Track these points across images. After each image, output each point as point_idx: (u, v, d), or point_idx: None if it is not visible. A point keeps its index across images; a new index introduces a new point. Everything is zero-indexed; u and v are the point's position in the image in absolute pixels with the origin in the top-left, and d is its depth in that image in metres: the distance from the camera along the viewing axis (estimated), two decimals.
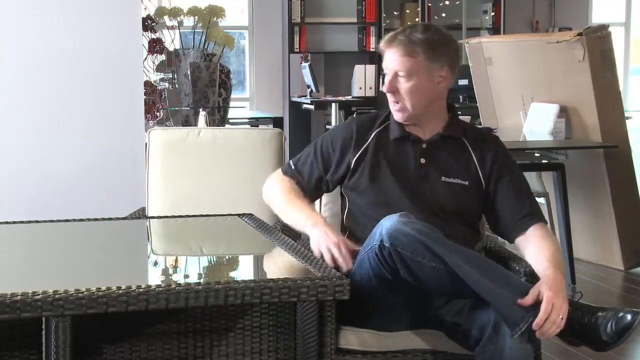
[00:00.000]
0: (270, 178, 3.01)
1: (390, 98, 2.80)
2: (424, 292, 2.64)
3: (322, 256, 2.62)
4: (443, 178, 2.79)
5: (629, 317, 2.44)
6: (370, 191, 2.81)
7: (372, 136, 2.87)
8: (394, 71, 2.77)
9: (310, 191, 2.94)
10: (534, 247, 2.68)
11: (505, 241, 2.90)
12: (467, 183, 2.79)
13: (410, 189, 2.78)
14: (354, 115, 3.10)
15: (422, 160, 2.81)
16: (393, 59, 2.76)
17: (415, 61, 2.75)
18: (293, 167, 2.98)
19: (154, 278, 2.62)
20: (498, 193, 2.79)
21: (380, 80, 9.57)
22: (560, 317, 2.42)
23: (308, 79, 9.43)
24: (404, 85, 2.77)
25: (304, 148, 3.04)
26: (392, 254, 2.52)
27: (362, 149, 2.86)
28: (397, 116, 2.82)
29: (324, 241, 2.65)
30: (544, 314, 2.40)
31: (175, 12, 5.63)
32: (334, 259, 2.62)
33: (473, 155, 2.82)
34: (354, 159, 2.85)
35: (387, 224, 2.54)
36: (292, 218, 2.85)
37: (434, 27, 2.81)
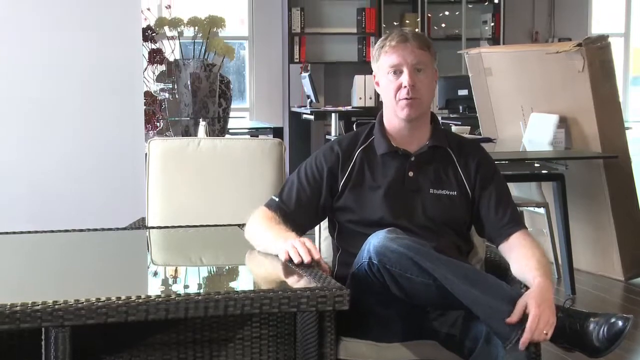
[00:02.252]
0: (252, 215, 2.87)
1: (406, 94, 2.77)
2: (417, 305, 2.64)
3: (291, 261, 2.55)
4: (431, 190, 2.79)
5: (620, 323, 2.44)
6: (360, 209, 2.80)
7: (356, 154, 2.85)
8: (412, 65, 2.77)
9: (300, 220, 2.83)
10: (518, 255, 2.69)
11: None
12: (455, 193, 2.80)
13: (400, 204, 2.78)
14: (330, 142, 3.00)
15: (411, 174, 2.81)
16: (411, 53, 2.77)
17: (429, 54, 2.81)
18: (277, 199, 2.88)
19: (154, 288, 2.61)
20: (481, 202, 2.81)
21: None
22: (545, 332, 2.43)
23: (308, 89, 9.44)
24: (422, 78, 2.79)
25: (300, 164, 2.97)
26: (380, 271, 2.52)
27: (349, 169, 2.83)
28: (408, 112, 2.79)
29: (288, 244, 2.59)
30: (529, 332, 2.41)
31: (175, 23, 5.64)
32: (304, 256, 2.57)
33: (458, 165, 2.83)
34: (342, 181, 2.83)
35: (374, 241, 2.54)
36: (267, 243, 2.72)
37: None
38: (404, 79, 2.75)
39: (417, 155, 2.83)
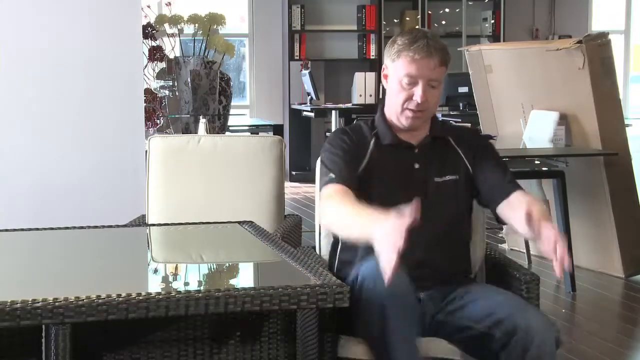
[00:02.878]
0: (323, 199, 2.76)
1: (414, 107, 2.76)
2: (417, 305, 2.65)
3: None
4: (436, 179, 2.82)
5: None
6: (371, 199, 2.75)
7: (370, 147, 2.85)
8: (427, 80, 2.74)
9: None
10: (518, 202, 2.71)
11: (505, 248, 2.91)
12: (457, 177, 2.84)
13: (409, 195, 2.75)
14: (340, 129, 2.95)
15: (417, 166, 2.83)
16: (432, 70, 2.74)
17: (445, 69, 2.79)
18: (333, 175, 2.77)
19: (154, 286, 2.62)
20: (480, 168, 2.85)
21: (380, 86, 9.58)
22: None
23: (308, 86, 9.44)
24: (434, 92, 2.78)
25: (323, 152, 2.89)
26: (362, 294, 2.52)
27: (367, 155, 2.84)
28: (412, 123, 2.79)
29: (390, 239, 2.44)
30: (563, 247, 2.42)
31: (175, 20, 5.64)
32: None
33: (458, 149, 2.87)
34: (362, 166, 2.83)
35: (365, 270, 2.52)
36: (360, 229, 2.55)
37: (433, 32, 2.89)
38: (417, 93, 2.74)
39: (420, 146, 2.85)
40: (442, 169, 2.83)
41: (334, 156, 2.82)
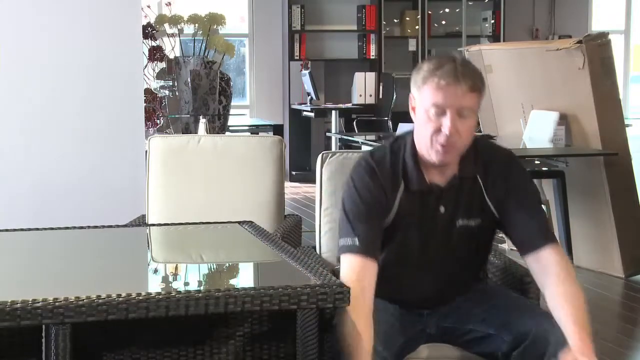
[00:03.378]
0: (341, 268, 2.55)
1: (444, 140, 2.51)
2: (415, 313, 2.67)
3: None
4: (459, 222, 2.65)
5: None
6: (392, 248, 2.66)
7: (399, 194, 2.62)
8: (456, 109, 2.49)
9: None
10: (553, 289, 2.53)
11: (505, 248, 2.89)
12: (481, 221, 2.66)
13: (428, 239, 2.66)
14: (367, 165, 2.68)
15: (442, 209, 2.63)
16: (460, 97, 2.48)
17: (478, 95, 2.53)
18: (357, 241, 2.55)
19: (154, 286, 2.61)
20: (508, 215, 2.65)
21: (380, 86, 9.58)
22: None
23: (308, 86, 9.45)
24: (465, 122, 2.51)
25: (345, 197, 2.65)
26: None
27: (394, 211, 2.62)
28: (442, 159, 2.55)
29: None
30: None
31: (175, 20, 5.65)
32: None
33: (484, 191, 2.64)
34: (388, 222, 2.63)
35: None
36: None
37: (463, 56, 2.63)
38: (445, 124, 2.49)
39: (447, 189, 2.63)
40: (467, 212, 2.64)
41: (360, 213, 2.58)
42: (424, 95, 2.53)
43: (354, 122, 9.47)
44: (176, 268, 2.83)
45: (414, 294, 2.71)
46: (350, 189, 2.64)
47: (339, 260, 2.72)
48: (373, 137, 6.98)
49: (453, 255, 2.68)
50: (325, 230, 3.14)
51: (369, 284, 2.50)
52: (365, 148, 5.99)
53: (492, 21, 10.42)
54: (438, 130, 2.50)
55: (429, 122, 2.52)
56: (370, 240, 2.56)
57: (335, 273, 2.59)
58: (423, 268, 2.67)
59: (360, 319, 2.42)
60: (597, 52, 5.46)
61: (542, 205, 2.75)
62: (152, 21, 5.72)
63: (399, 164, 2.63)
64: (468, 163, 2.64)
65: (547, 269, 2.55)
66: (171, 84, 5.72)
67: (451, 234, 2.64)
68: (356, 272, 2.51)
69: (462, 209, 2.63)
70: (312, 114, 9.54)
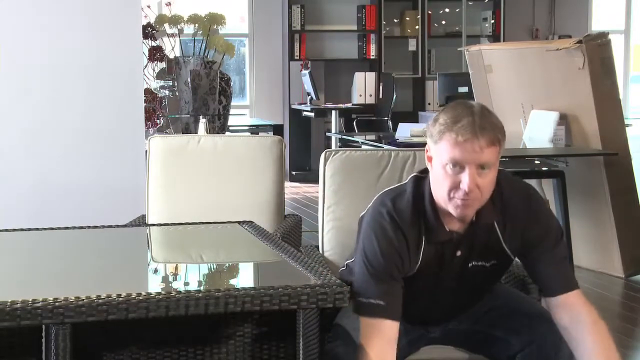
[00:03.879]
0: (363, 329, 2.46)
1: (464, 196, 2.40)
2: (416, 318, 2.66)
3: None
4: (473, 262, 2.59)
5: None
6: (406, 288, 2.58)
7: (422, 249, 2.54)
8: (476, 164, 2.37)
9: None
10: (585, 346, 2.48)
11: None
12: (495, 262, 2.61)
13: (442, 279, 2.62)
14: (390, 219, 2.49)
15: (458, 253, 2.56)
16: (479, 152, 2.36)
17: (498, 148, 2.41)
18: (381, 302, 2.46)
19: (154, 286, 2.61)
20: (530, 262, 2.60)
21: (380, 87, 9.58)
22: None
23: (308, 86, 9.44)
24: (485, 175, 2.40)
25: (367, 252, 2.53)
26: None
27: (418, 265, 2.55)
28: (462, 213, 2.45)
29: None
30: None
31: (175, 20, 5.64)
32: None
33: (500, 235, 2.56)
34: (412, 273, 2.57)
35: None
36: None
37: (483, 106, 2.49)
38: (464, 180, 2.37)
39: (465, 234, 2.55)
40: (482, 255, 2.57)
41: (385, 273, 2.49)
42: (440, 150, 2.41)
43: (354, 122, 9.47)
44: (176, 268, 2.83)
45: (421, 316, 2.71)
46: (371, 243, 2.51)
47: (345, 267, 2.73)
48: (373, 137, 6.98)
49: (464, 288, 2.64)
50: (328, 229, 3.14)
51: (391, 348, 2.45)
52: (365, 148, 5.99)
53: (492, 21, 10.42)
54: (457, 186, 2.40)
55: (446, 177, 2.40)
56: (394, 300, 2.48)
57: (342, 278, 2.56)
58: (433, 300, 2.66)
59: None
60: (597, 52, 5.46)
61: (565, 247, 2.67)
62: (152, 21, 5.72)
63: (420, 216, 2.53)
64: (487, 210, 2.52)
65: (578, 317, 2.50)
66: (171, 84, 5.72)
67: (464, 272, 2.59)
68: (380, 336, 2.44)
69: (477, 252, 2.57)
70: (312, 114, 9.54)
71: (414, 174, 2.61)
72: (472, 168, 2.37)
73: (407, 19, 10.34)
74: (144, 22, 5.37)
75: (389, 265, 2.48)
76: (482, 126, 2.36)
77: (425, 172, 2.56)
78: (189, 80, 5.46)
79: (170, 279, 2.67)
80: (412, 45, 10.37)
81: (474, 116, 2.37)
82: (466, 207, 2.42)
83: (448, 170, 2.40)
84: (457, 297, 2.66)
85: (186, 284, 2.63)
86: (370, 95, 9.69)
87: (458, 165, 2.38)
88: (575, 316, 2.49)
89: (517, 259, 2.63)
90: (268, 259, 2.77)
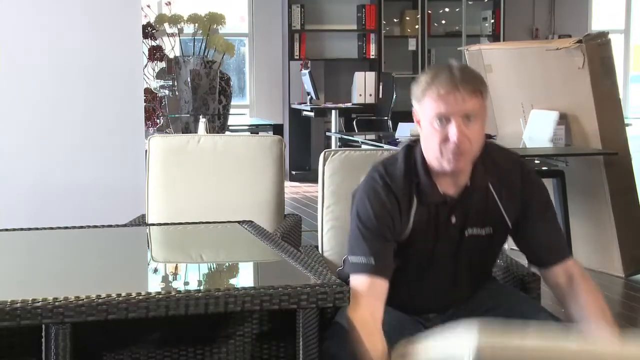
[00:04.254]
0: (352, 288, 2.46)
1: (453, 148, 2.46)
2: (417, 318, 2.66)
3: None
4: (469, 230, 2.61)
5: None
6: (400, 258, 2.62)
7: (413, 210, 2.58)
8: (461, 115, 2.44)
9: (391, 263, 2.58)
10: (575, 298, 2.58)
11: (505, 247, 2.87)
12: (492, 230, 2.63)
13: (437, 249, 2.64)
14: (381, 180, 2.57)
15: (453, 220, 2.60)
16: (462, 102, 2.43)
17: (480, 100, 2.48)
18: (372, 260, 2.52)
19: (154, 285, 2.61)
20: (523, 228, 2.64)
21: (380, 86, 9.58)
22: None
23: (308, 86, 9.45)
24: (473, 126, 2.46)
25: (357, 211, 2.59)
26: None
27: (409, 228, 2.59)
28: (455, 166, 2.49)
29: None
30: None
31: (175, 20, 5.64)
32: None
33: (498, 200, 2.60)
34: (404, 238, 2.61)
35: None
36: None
37: (461, 63, 2.58)
38: (452, 132, 2.44)
39: (459, 200, 2.59)
40: (478, 221, 2.60)
41: (376, 232, 2.54)
42: (425, 108, 2.49)
43: (354, 122, 9.48)
44: (176, 268, 2.83)
45: (418, 299, 2.70)
46: (364, 205, 2.57)
47: (343, 267, 2.73)
48: (373, 137, 6.98)
49: (460, 263, 2.66)
50: (328, 229, 3.14)
51: (380, 305, 2.49)
52: (365, 147, 5.99)
53: (492, 21, 10.42)
54: (446, 140, 2.45)
55: (435, 133, 2.47)
56: (384, 260, 2.53)
57: (341, 276, 2.59)
58: (429, 274, 2.66)
59: (373, 336, 2.41)
60: (597, 52, 5.46)
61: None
62: (152, 21, 5.71)
63: (411, 178, 2.58)
64: (480, 172, 2.58)
65: (575, 279, 2.60)
66: (171, 83, 5.71)
67: (460, 242, 2.61)
68: (369, 292, 2.49)
69: (472, 218, 2.60)
70: (312, 114, 9.54)
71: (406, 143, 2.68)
72: (458, 119, 2.44)
73: (407, 18, 10.34)
74: (144, 22, 5.37)
75: (381, 226, 2.54)
76: (461, 78, 2.45)
77: (416, 141, 2.62)
78: (188, 80, 5.46)
79: (170, 278, 2.67)
80: (412, 44, 10.37)
81: (452, 70, 2.46)
82: (458, 160, 2.47)
83: (435, 125, 2.46)
84: (453, 277, 2.65)
85: (186, 283, 2.63)
86: (370, 95, 9.69)
87: (444, 119, 2.45)
88: (574, 279, 2.60)
89: (511, 235, 2.68)
90: (268, 258, 2.77)
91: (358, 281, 2.51)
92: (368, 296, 2.48)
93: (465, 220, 2.59)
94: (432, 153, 2.52)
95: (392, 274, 2.57)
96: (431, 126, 2.48)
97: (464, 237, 2.61)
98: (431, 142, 2.49)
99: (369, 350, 2.38)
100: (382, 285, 2.51)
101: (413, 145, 2.63)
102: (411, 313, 2.70)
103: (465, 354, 2.01)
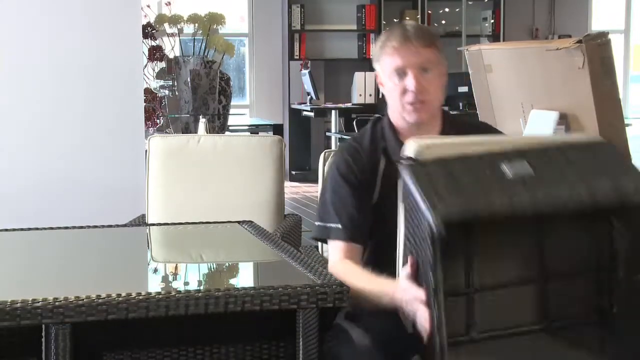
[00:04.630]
0: (330, 266, 2.56)
1: (412, 99, 2.56)
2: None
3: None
4: None
5: None
6: (380, 230, 2.63)
7: (381, 170, 2.64)
8: (417, 66, 2.55)
9: (366, 229, 2.61)
10: None
11: None
12: None
13: None
14: (348, 145, 2.70)
15: None
16: (415, 54, 2.55)
17: (435, 50, 2.60)
18: (339, 225, 2.58)
19: (154, 285, 2.61)
20: None
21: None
22: None
23: (308, 86, 9.45)
24: (430, 78, 2.57)
25: (326, 182, 2.68)
26: None
27: (377, 189, 2.62)
28: (418, 117, 2.58)
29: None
30: None
31: (175, 20, 5.64)
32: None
33: None
34: (375, 194, 2.63)
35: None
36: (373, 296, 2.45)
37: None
38: (409, 83, 2.55)
39: None
40: None
41: (345, 196, 2.60)
42: (383, 65, 2.61)
43: (354, 122, 9.47)
44: (176, 268, 2.83)
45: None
46: (332, 172, 2.66)
47: (316, 239, 2.76)
48: None
49: None
50: None
51: (356, 263, 2.55)
52: None
53: (492, 21, 10.43)
54: (405, 91, 2.57)
55: (395, 87, 2.58)
56: (355, 224, 2.58)
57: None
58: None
59: (354, 274, 2.47)
60: (597, 52, 5.46)
61: None
62: (152, 21, 5.72)
63: (378, 139, 2.67)
64: (449, 128, 2.67)
65: None
66: (171, 83, 5.72)
67: None
68: (341, 256, 2.56)
69: None
70: (312, 114, 9.54)
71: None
72: (414, 70, 2.55)
73: (407, 18, 10.34)
74: (144, 22, 5.37)
75: (349, 188, 2.59)
76: (413, 32, 2.58)
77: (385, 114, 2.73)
78: (188, 80, 5.46)
79: (170, 278, 2.67)
80: None
81: (405, 26, 2.60)
82: (419, 110, 2.58)
83: (395, 80, 2.57)
84: None
85: (186, 283, 2.63)
86: (370, 95, 9.69)
87: (401, 72, 2.56)
88: None
89: None
90: (268, 258, 2.77)
91: (332, 247, 2.60)
92: (343, 260, 2.55)
93: None
94: (395, 109, 2.63)
95: (376, 259, 2.59)
96: (391, 82, 2.59)
97: None
98: (392, 97, 2.61)
99: (372, 287, 2.42)
100: (355, 249, 2.57)
101: (381, 116, 2.73)
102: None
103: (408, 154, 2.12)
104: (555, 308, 2.15)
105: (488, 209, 1.99)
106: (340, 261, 2.57)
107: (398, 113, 2.63)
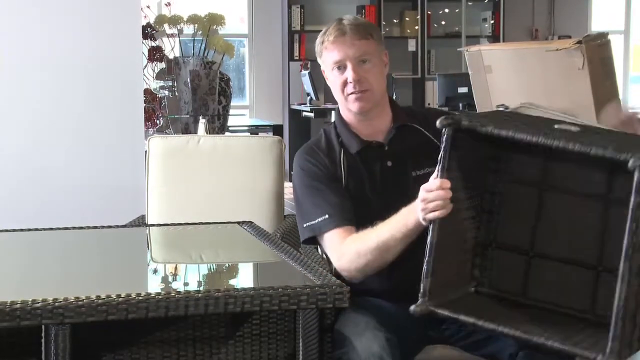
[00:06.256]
0: (340, 251, 2.64)
1: (352, 89, 2.68)
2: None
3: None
4: (413, 172, 2.70)
5: None
6: (358, 221, 2.68)
7: (341, 162, 2.74)
8: (354, 58, 2.67)
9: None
10: None
11: None
12: (430, 170, 2.58)
13: (385, 198, 2.68)
14: (305, 148, 2.89)
15: (389, 163, 2.73)
16: (351, 46, 2.67)
17: (372, 42, 2.71)
18: (327, 216, 2.65)
19: (154, 286, 2.62)
20: None
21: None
22: None
23: (308, 86, 9.45)
24: (369, 68, 2.68)
25: (296, 190, 2.81)
26: None
27: (342, 176, 2.72)
28: (360, 106, 2.70)
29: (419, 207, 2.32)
30: None
31: (175, 20, 5.64)
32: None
33: (430, 136, 2.73)
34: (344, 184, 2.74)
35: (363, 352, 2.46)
36: (390, 233, 2.51)
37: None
38: (348, 74, 2.67)
39: (388, 142, 2.74)
40: (417, 161, 2.71)
41: (317, 190, 2.70)
42: (324, 60, 2.75)
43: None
44: (176, 268, 2.83)
45: (397, 272, 2.63)
46: (298, 175, 2.77)
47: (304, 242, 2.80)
48: None
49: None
50: None
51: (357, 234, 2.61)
52: None
53: (492, 21, 10.42)
54: (346, 83, 2.69)
55: (336, 80, 2.71)
56: (340, 208, 2.65)
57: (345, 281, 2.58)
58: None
59: (365, 235, 2.54)
60: (597, 52, 5.45)
61: None
62: (152, 21, 5.71)
63: (333, 137, 2.79)
64: (401, 114, 2.78)
65: None
66: (171, 84, 5.71)
67: (407, 188, 2.63)
68: (341, 241, 2.61)
69: (411, 159, 2.71)
70: (311, 114, 9.54)
71: None
72: (353, 62, 2.66)
73: (407, 19, 10.34)
74: (144, 22, 5.36)
75: (317, 181, 2.70)
76: (349, 25, 2.68)
77: None
78: (188, 80, 5.46)
79: (170, 279, 2.67)
80: (411, 45, 10.37)
81: (341, 20, 2.71)
82: (361, 99, 2.69)
83: (335, 73, 2.70)
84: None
85: (186, 284, 2.63)
86: None
87: (341, 65, 2.68)
88: None
89: None
90: (268, 259, 2.77)
91: (326, 238, 2.66)
92: (339, 243, 2.61)
93: (403, 162, 2.70)
94: (341, 102, 2.76)
95: None
96: (333, 75, 2.72)
97: (408, 179, 2.68)
98: (336, 90, 2.74)
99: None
100: (347, 230, 2.62)
101: (333, 121, 2.86)
102: (393, 296, 2.66)
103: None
104: (603, 299, 2.18)
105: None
106: (343, 245, 2.61)
107: (344, 105, 2.76)
